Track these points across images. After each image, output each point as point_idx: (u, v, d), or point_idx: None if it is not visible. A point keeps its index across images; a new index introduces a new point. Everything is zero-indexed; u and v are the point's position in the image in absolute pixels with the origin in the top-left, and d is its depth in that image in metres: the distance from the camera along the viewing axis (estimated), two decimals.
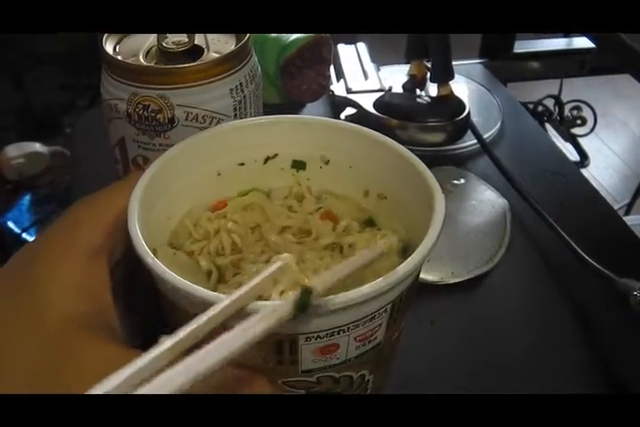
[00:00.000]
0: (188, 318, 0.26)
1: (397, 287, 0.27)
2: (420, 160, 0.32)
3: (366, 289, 0.25)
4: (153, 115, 0.35)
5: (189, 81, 0.35)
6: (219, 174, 0.35)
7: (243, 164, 0.36)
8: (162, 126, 0.36)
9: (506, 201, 0.54)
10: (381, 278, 0.26)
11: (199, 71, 0.35)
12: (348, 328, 0.27)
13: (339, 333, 0.27)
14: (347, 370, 0.29)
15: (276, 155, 0.36)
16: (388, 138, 0.34)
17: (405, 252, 0.32)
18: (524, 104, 0.80)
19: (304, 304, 0.25)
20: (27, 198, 1.22)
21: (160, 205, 0.32)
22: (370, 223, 0.35)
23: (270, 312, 0.24)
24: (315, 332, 0.26)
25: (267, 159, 0.36)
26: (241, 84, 0.36)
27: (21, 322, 0.27)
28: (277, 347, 0.27)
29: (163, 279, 0.26)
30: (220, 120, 0.36)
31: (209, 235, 0.33)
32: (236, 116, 0.37)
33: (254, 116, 0.39)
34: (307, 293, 0.25)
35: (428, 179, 0.31)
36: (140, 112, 0.35)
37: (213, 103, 0.36)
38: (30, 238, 0.83)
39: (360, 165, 0.35)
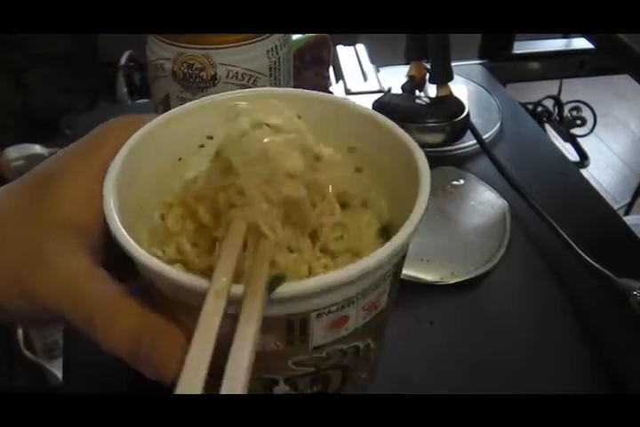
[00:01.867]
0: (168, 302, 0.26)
1: (402, 250, 0.27)
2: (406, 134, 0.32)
3: (378, 255, 0.25)
4: (197, 72, 0.40)
5: (231, 42, 0.39)
6: (179, 159, 0.33)
7: (202, 146, 0.34)
8: (205, 83, 0.40)
9: (505, 202, 0.54)
10: (389, 243, 0.25)
11: (239, 34, 0.39)
12: (357, 298, 0.26)
13: (349, 304, 0.26)
14: (354, 341, 0.29)
15: None
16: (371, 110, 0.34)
17: (387, 231, 0.32)
18: (524, 105, 0.80)
19: (272, 289, 0.25)
20: None
21: (132, 195, 0.31)
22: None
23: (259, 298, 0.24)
24: (327, 307, 0.26)
25: None
26: (276, 46, 0.41)
27: (26, 214, 0.29)
28: (288, 327, 0.26)
29: (160, 274, 0.25)
30: (257, 78, 0.41)
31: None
32: (271, 75, 0.42)
33: (287, 76, 0.43)
34: (279, 279, 0.25)
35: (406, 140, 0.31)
36: (185, 70, 0.40)
37: (252, 62, 0.40)
38: None
39: (338, 126, 0.34)
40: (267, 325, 0.24)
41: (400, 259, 0.28)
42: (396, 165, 0.32)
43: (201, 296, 0.24)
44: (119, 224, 0.27)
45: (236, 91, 0.34)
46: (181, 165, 0.33)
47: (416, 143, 0.31)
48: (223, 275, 0.24)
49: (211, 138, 0.33)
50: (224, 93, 0.34)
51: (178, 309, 0.26)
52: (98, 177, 0.29)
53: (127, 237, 0.26)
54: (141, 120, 0.32)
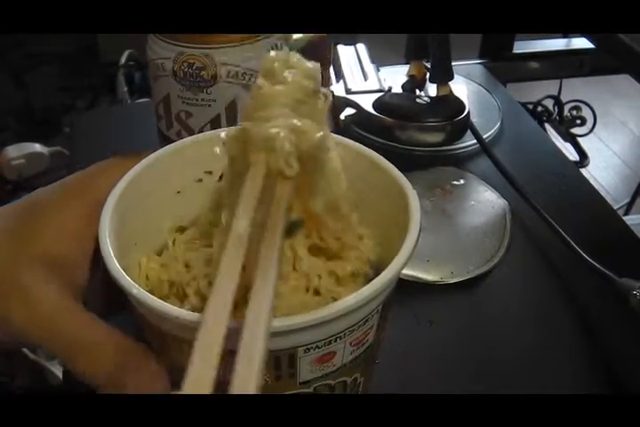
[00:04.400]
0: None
1: (388, 288, 0.27)
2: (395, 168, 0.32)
3: (360, 295, 0.25)
4: (197, 72, 0.40)
5: (231, 41, 0.39)
6: (178, 192, 0.34)
7: (201, 180, 0.34)
8: (205, 82, 0.40)
9: (506, 202, 0.54)
10: (370, 284, 0.26)
11: (240, 33, 0.40)
12: (345, 334, 0.27)
13: (336, 340, 0.27)
14: (342, 376, 0.29)
15: None
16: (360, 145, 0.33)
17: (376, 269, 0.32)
18: (524, 104, 0.80)
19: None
20: None
21: (129, 227, 0.31)
22: None
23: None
24: (313, 342, 0.26)
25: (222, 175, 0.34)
26: (277, 45, 0.41)
27: (7, 244, 0.29)
28: (275, 362, 0.26)
29: (152, 308, 0.25)
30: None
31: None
32: None
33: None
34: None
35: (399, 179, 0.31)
36: (186, 69, 0.40)
37: (252, 62, 0.40)
38: None
39: None
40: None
41: (389, 294, 0.28)
42: (388, 205, 0.32)
43: (189, 329, 0.24)
44: (114, 259, 0.27)
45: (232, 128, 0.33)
46: (180, 198, 0.33)
47: (411, 186, 0.31)
48: (243, 218, 0.24)
49: (209, 173, 0.34)
50: (221, 129, 0.34)
51: (167, 340, 0.27)
52: (85, 214, 0.29)
53: (122, 272, 0.26)
54: (135, 161, 0.32)
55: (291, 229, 0.27)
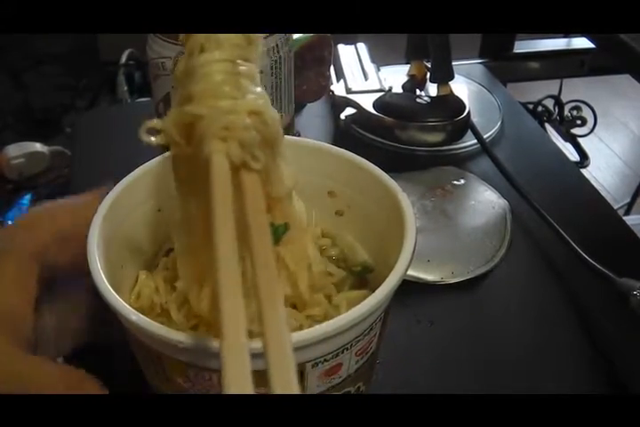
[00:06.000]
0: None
1: (392, 294, 0.27)
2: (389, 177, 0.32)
3: (370, 302, 0.25)
4: None
5: None
6: (159, 210, 0.33)
7: None
8: None
9: (506, 201, 0.54)
10: (379, 290, 0.26)
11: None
12: (351, 345, 0.27)
13: (343, 351, 0.26)
14: (346, 386, 0.29)
15: None
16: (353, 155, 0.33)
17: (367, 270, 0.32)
18: (524, 104, 0.80)
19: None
20: (27, 198, 1.22)
21: (115, 247, 0.30)
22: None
23: None
24: (322, 356, 0.26)
25: None
26: (277, 45, 0.41)
27: None
28: None
29: (152, 333, 0.25)
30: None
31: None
32: (272, 74, 0.42)
33: (288, 75, 0.42)
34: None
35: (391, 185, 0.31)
36: None
37: None
38: None
39: (319, 171, 0.34)
40: (261, 378, 0.23)
41: (390, 302, 0.28)
42: (378, 208, 0.32)
43: (189, 353, 0.24)
44: (108, 286, 0.26)
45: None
46: (161, 216, 0.33)
47: (399, 187, 0.31)
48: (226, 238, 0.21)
49: None
50: None
51: (161, 358, 0.26)
52: (21, 265, 0.29)
53: (120, 300, 0.26)
54: (75, 205, 0.31)
55: (276, 235, 0.25)
